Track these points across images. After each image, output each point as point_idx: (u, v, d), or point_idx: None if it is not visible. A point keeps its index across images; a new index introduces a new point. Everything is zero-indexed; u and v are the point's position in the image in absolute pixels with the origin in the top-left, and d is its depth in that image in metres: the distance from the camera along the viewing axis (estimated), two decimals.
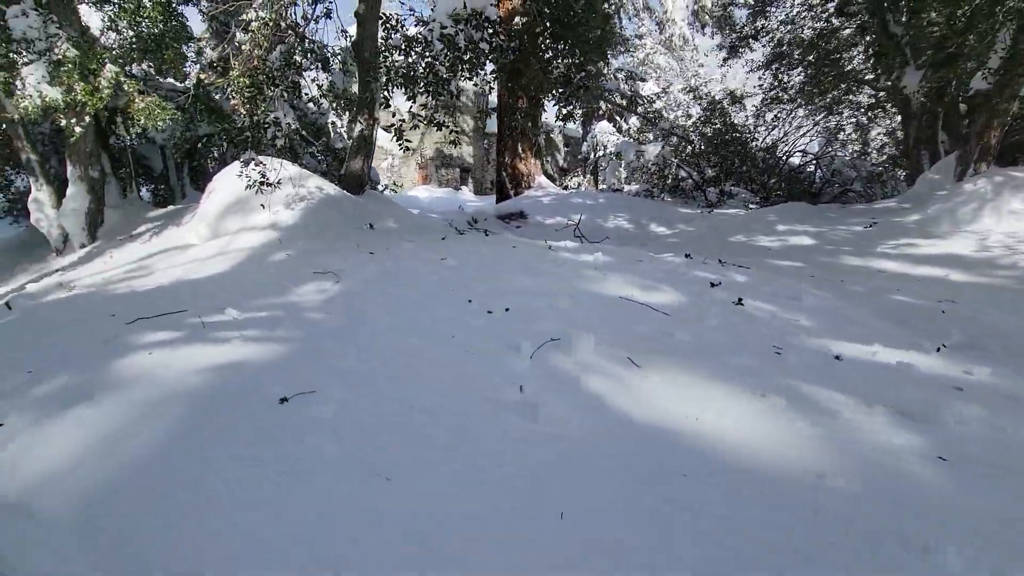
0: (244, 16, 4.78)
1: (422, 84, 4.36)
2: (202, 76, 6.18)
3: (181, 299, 4.11)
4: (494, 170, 26.17)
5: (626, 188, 14.95)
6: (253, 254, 5.45)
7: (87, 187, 7.48)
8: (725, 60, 11.64)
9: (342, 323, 3.06)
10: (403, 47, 4.56)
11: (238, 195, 6.25)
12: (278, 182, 5.72)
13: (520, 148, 14.45)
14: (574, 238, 7.97)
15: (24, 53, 4.82)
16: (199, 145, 10.09)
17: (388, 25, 4.68)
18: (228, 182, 6.40)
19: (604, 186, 17.88)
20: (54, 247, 7.69)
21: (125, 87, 5.21)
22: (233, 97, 5.87)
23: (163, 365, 2.50)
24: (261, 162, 5.39)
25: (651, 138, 14.35)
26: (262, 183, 5.45)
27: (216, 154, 12.01)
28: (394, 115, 8.56)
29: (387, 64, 4.61)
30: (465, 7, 4.31)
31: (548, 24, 4.35)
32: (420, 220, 7.95)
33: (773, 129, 13.95)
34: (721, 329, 2.95)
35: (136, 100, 5.21)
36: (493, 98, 26.73)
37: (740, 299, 3.53)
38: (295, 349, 2.64)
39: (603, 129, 22.57)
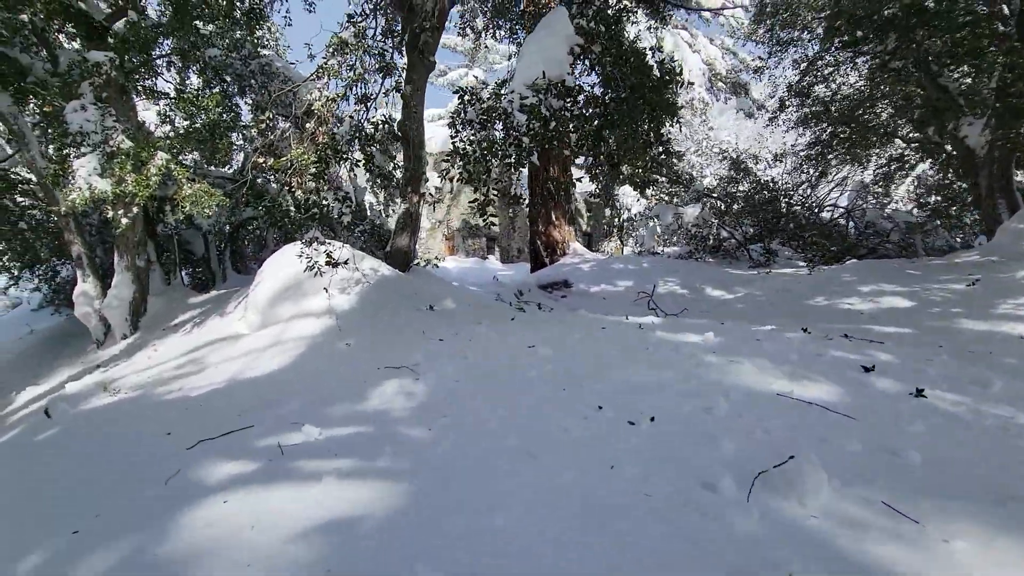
0: (308, 96, 4.58)
1: (500, 156, 4.04)
2: (259, 160, 5.99)
3: (242, 404, 3.56)
4: (520, 238, 26.19)
5: (664, 251, 14.53)
6: (312, 345, 4.95)
7: (132, 276, 7.22)
8: (771, 120, 11.51)
9: (455, 444, 2.44)
10: (479, 120, 4.29)
11: (289, 280, 5.87)
12: (344, 261, 5.34)
13: (553, 215, 14.27)
14: (649, 310, 7.34)
15: (79, 147, 4.65)
16: (240, 229, 9.99)
17: (465, 99, 4.45)
18: (278, 267, 6.04)
19: (640, 249, 17.54)
20: (95, 338, 7.33)
21: (175, 175, 4.99)
22: (285, 179, 5.62)
23: (248, 524, 1.89)
24: (324, 241, 5.02)
25: (684, 199, 14.08)
26: (329, 263, 5.06)
27: (258, 236, 11.95)
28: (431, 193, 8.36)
29: (459, 139, 4.33)
30: (544, 76, 4.03)
31: (632, 89, 4.08)
32: (477, 297, 7.48)
33: (807, 185, 13.62)
34: (940, 439, 2.27)
35: (184, 187, 4.97)
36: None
37: (919, 390, 2.86)
38: (414, 493, 2.02)
39: (626, 192, 22.59)
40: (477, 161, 4.20)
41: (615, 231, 20.89)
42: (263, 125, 5.78)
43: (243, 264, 11.55)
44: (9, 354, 8.86)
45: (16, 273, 10.02)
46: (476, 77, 27.44)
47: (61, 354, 7.92)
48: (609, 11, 4.73)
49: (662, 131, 4.54)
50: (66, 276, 10.17)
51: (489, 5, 9.37)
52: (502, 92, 4.36)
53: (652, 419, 2.52)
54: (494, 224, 23.48)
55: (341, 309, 5.56)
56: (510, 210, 24.76)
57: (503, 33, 9.84)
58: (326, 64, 4.67)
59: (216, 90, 5.26)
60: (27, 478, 2.87)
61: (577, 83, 4.11)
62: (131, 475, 2.57)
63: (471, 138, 4.28)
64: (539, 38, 4.28)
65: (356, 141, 4.99)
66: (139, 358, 5.92)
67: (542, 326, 4.93)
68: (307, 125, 4.56)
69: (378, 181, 10.22)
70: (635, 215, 21.30)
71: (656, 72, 4.35)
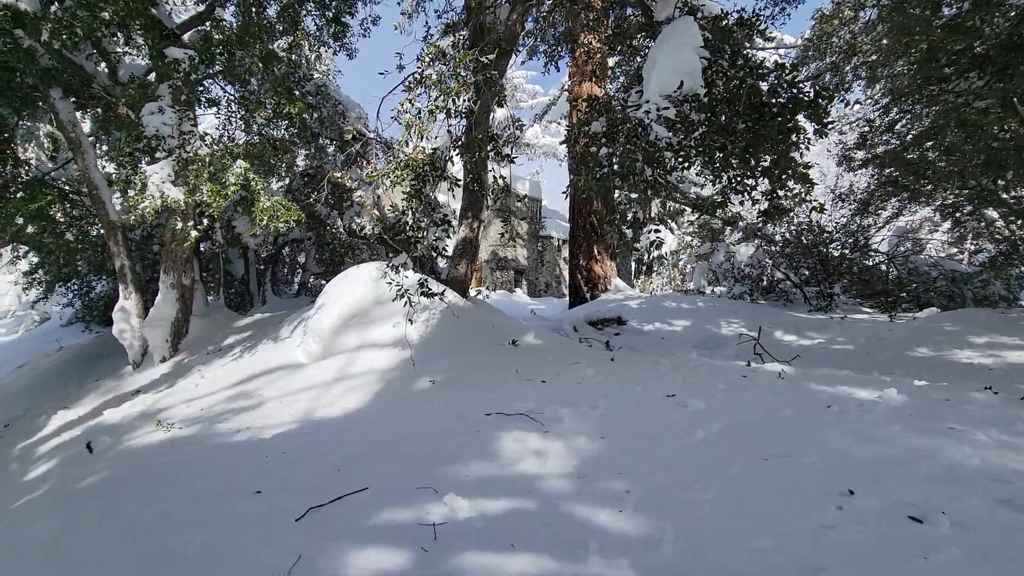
0: (402, 107, 4.10)
1: (633, 178, 3.49)
2: (337, 175, 5.53)
3: (332, 455, 2.90)
4: (548, 272, 25.65)
5: (712, 290, 13.89)
6: (387, 380, 4.31)
7: (177, 295, 6.69)
8: (844, 158, 11.09)
9: (685, 543, 1.76)
10: (608, 135, 3.77)
11: (356, 306, 5.28)
12: (441, 293, 4.78)
13: (596, 249, 13.75)
14: (755, 354, 6.60)
15: (154, 152, 4.20)
16: (281, 251, 9.52)
17: (593, 109, 3.95)
18: (343, 291, 5.47)
19: (691, 287, 16.96)
20: (132, 360, 6.73)
21: (252, 185, 4.51)
22: (371, 198, 5.10)
23: None
24: (414, 267, 4.47)
25: (736, 237, 13.54)
26: (425, 293, 4.51)
27: (292, 260, 11.49)
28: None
29: (592, 160, 3.81)
30: (681, 86, 3.53)
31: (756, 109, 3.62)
32: (551, 333, 6.87)
33: (857, 228, 13.03)
34: None
35: (260, 199, 4.48)
36: (546, 202, 26.98)
37: None
38: None
39: (653, 228, 22.20)
40: (606, 178, 3.66)
41: (648, 267, 20.27)
42: (349, 136, 5.35)
43: (276, 287, 11.05)
44: (37, 372, 8.28)
45: (48, 286, 9.57)
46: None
47: (91, 375, 7.33)
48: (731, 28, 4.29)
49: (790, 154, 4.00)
50: (100, 292, 9.70)
51: (552, 34, 9.11)
52: (629, 104, 3.87)
53: (945, 516, 1.83)
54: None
55: (412, 341, 4.94)
56: (539, 243, 24.35)
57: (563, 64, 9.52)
58: (423, 74, 4.23)
59: (296, 106, 4.87)
60: (79, 555, 2.19)
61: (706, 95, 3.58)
62: (226, 559, 1.90)
63: (601, 155, 3.75)
64: (669, 48, 3.79)
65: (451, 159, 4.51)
66: (184, 385, 5.30)
67: (652, 369, 4.26)
68: (400, 139, 4.07)
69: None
70: (666, 253, 20.79)
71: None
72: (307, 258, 10.10)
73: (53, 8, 5.22)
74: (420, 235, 4.87)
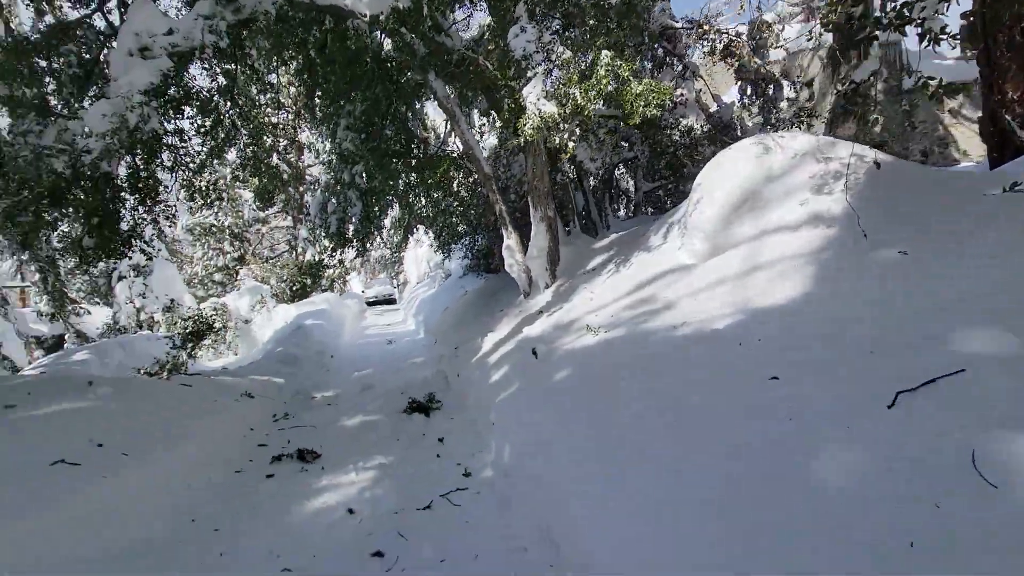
0: None
1: None
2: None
3: (809, 348, 2.24)
4: (923, 137, 18.91)
5: None
6: (820, 264, 3.39)
7: (546, 227, 7.30)
8: None
9: None
10: None
11: (743, 189, 4.47)
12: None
13: None
14: None
15: (524, 74, 4.34)
16: (615, 172, 9.50)
17: None
18: (723, 177, 4.73)
19: None
20: (522, 290, 7.79)
21: (621, 72, 4.21)
22: None
23: None
24: None
25: None
26: None
27: (615, 185, 11.42)
28: None
29: None
30: None
31: None
32: None
33: None
34: None
35: (632, 84, 4.14)
36: None
37: None
38: None
39: None
40: None
41: None
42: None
43: (611, 212, 11.24)
44: (457, 312, 10.72)
45: (444, 246, 12.30)
46: None
47: (494, 308, 8.91)
48: None
49: None
50: (481, 246, 11.86)
51: None
52: None
53: None
54: None
55: (832, 214, 3.82)
56: (903, 100, 18.04)
57: None
58: None
59: None
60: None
61: None
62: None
63: None
64: None
65: None
66: (578, 301, 5.66)
67: None
68: None
69: None
70: None
71: None
72: (636, 176, 9.84)
73: None
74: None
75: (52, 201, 4.16)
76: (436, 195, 9.70)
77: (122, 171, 5.79)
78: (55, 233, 5.61)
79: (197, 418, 4.49)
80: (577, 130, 4.83)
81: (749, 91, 10.47)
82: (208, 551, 2.99)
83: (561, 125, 4.52)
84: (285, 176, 22.27)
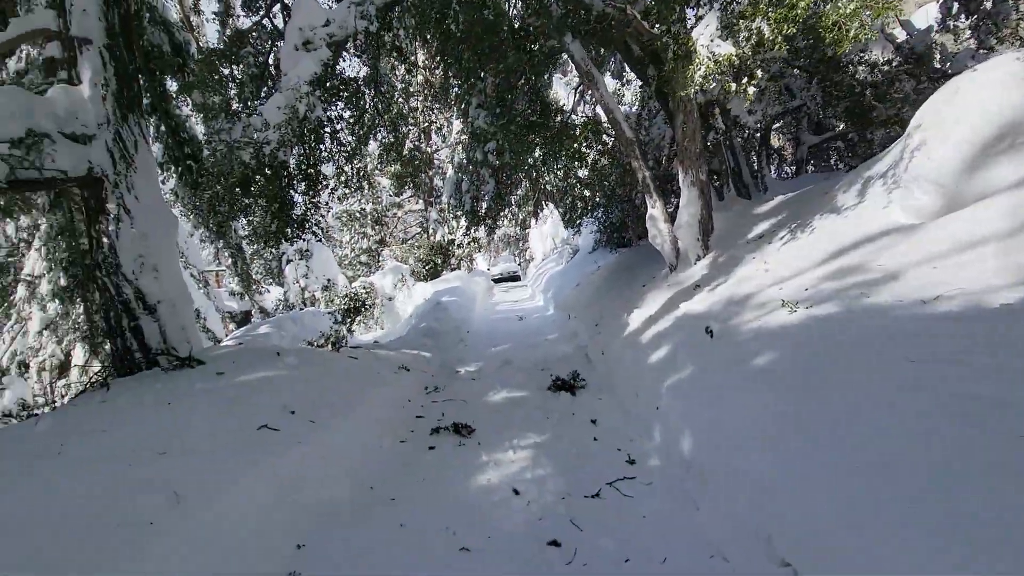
0: None
1: None
2: None
3: None
4: None
5: None
6: None
7: (698, 192, 6.54)
8: None
9: None
10: None
11: (998, 124, 3.40)
12: None
13: None
14: None
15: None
16: (774, 125, 8.24)
17: None
18: (965, 110, 3.65)
19: None
20: (668, 263, 7.14)
21: None
22: None
23: None
24: None
25: None
26: None
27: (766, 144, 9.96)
28: None
29: None
30: None
31: None
32: None
33: None
34: None
35: (839, 3, 3.31)
36: None
37: None
38: None
39: None
40: None
41: None
42: None
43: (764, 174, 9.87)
44: (590, 288, 10.34)
45: (571, 220, 11.89)
46: None
47: (632, 284, 8.36)
48: None
49: None
50: (613, 219, 11.26)
51: None
52: None
53: None
54: None
55: None
56: None
57: None
58: None
59: None
60: None
61: None
62: None
63: None
64: None
65: None
66: (745, 273, 4.93)
67: None
68: None
69: None
70: None
71: None
72: (799, 129, 8.44)
73: None
74: None
75: (243, 190, 4.55)
76: (568, 168, 9.34)
77: (292, 162, 6.28)
78: (244, 221, 6.34)
79: (364, 388, 4.75)
80: (759, 72, 4.05)
81: (955, 8, 8.33)
82: (389, 520, 3.06)
83: (739, 66, 3.82)
84: (417, 162, 23.54)
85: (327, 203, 7.90)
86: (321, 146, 5.31)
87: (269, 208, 4.83)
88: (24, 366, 9.24)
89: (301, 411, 3.70)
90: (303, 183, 5.19)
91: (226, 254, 12.51)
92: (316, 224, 5.82)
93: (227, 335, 13.17)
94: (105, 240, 5.48)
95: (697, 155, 6.45)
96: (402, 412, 5.19)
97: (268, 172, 4.63)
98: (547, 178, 10.33)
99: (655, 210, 7.01)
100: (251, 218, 5.17)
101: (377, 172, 23.41)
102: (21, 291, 8.63)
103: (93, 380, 4.40)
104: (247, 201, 4.62)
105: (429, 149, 23.40)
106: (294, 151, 5.12)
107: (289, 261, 17.75)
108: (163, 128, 6.23)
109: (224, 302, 16.22)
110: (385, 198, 23.90)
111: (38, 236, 8.49)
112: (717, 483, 2.71)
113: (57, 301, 8.98)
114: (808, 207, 5.47)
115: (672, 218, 7.01)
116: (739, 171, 8.50)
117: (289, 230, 5.11)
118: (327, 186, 6.56)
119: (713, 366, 3.37)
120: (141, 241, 5.58)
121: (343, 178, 8.50)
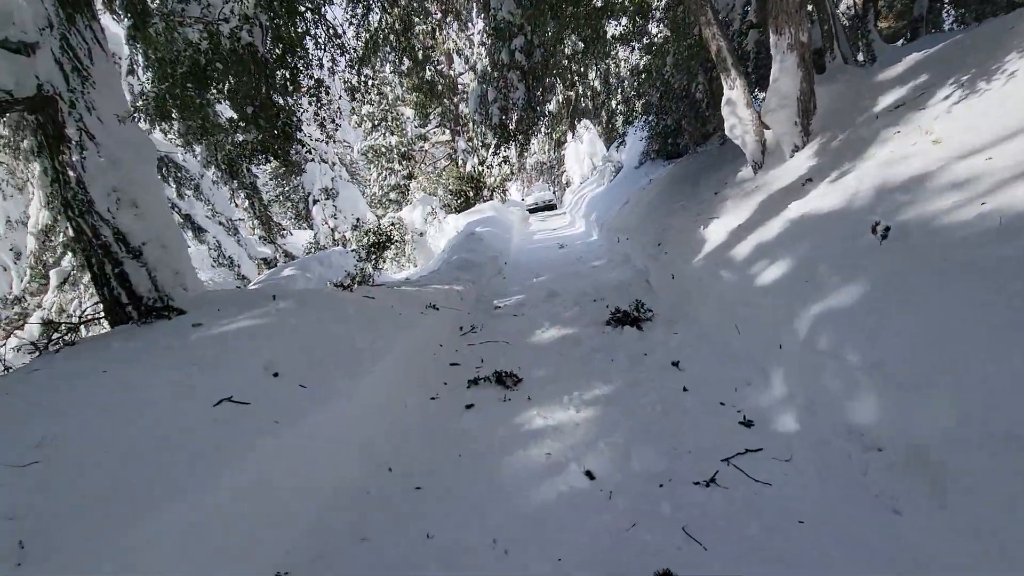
0: None
1: None
2: None
3: None
4: None
5: None
6: None
7: (797, 60, 4.86)
8: None
9: None
10: None
11: None
12: None
13: None
14: None
15: None
16: None
17: None
18: None
19: None
20: (751, 160, 5.60)
21: None
22: None
23: None
24: None
25: None
26: None
27: None
28: None
29: None
30: None
31: None
32: None
33: None
34: None
35: None
36: None
37: None
38: None
39: None
40: None
41: None
42: None
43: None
44: (646, 204, 8.85)
45: (623, 134, 10.19)
46: None
47: (702, 192, 6.85)
48: None
49: None
50: (669, 124, 9.48)
51: None
52: None
53: None
54: None
55: None
56: None
57: None
58: None
59: None
60: None
61: None
62: None
63: None
64: None
65: None
66: (891, 152, 3.41)
67: None
68: None
69: None
70: None
71: None
72: None
73: None
74: None
75: (198, 85, 3.33)
76: (609, 59, 7.61)
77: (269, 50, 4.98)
78: (232, 142, 5.23)
79: (383, 334, 3.72)
80: None
81: None
82: (411, 528, 2.08)
83: None
84: (439, 87, 21.60)
85: (335, 119, 6.65)
86: (299, 19, 3.97)
87: (241, 110, 3.64)
88: (53, 326, 8.82)
89: (290, 371, 2.70)
90: (282, 71, 3.92)
91: (241, 195, 11.60)
92: (327, 129, 4.59)
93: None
94: (71, 173, 4.49)
95: (797, 7, 4.71)
96: (432, 360, 4.19)
97: (229, 59, 3.38)
98: (589, 76, 8.62)
99: (734, 92, 5.38)
100: (215, 130, 4.00)
101: (400, 102, 21.69)
102: (31, 244, 8.01)
103: (57, 339, 3.55)
104: (202, 99, 3.42)
105: (453, 73, 21.36)
106: (267, 32, 3.82)
107: (316, 202, 16.84)
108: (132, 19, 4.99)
109: (257, 248, 15.65)
110: (410, 130, 22.30)
111: (35, 182, 7.71)
112: (943, 470, 1.53)
113: (71, 253, 8.34)
114: (967, 61, 3.79)
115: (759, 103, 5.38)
116: (835, 35, 6.56)
117: (270, 140, 3.93)
118: (326, 92, 5.27)
119: (901, 281, 2.08)
120: (112, 171, 4.55)
121: (350, 89, 7.16)
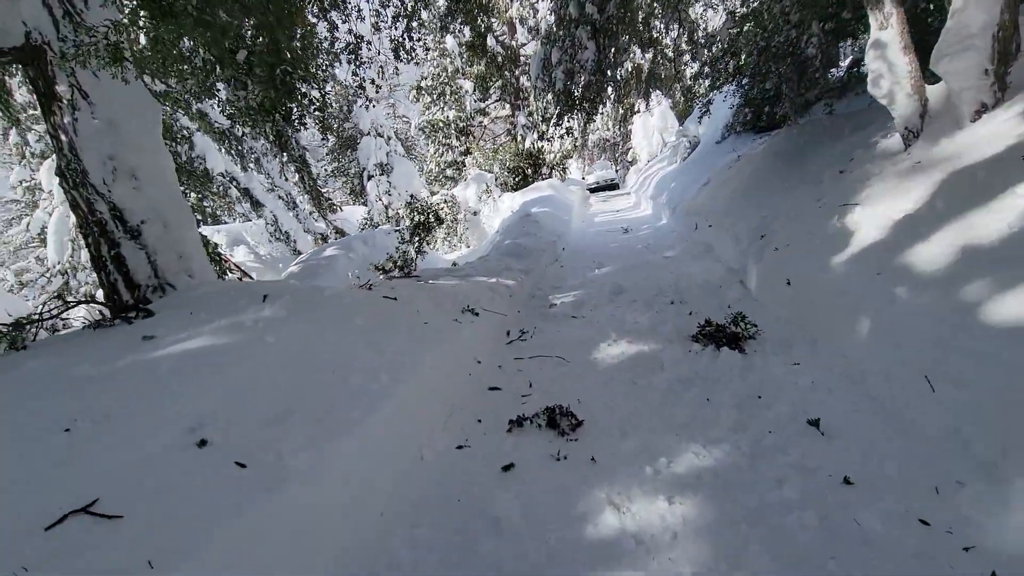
0: None
1: None
2: None
3: None
4: None
5: None
6: None
7: None
8: None
9: None
10: None
11: None
12: None
13: None
14: None
15: None
16: None
17: None
18: None
19: None
20: (901, 126, 4.09)
21: None
22: None
23: None
24: None
25: None
26: None
27: None
28: None
29: None
30: None
31: None
32: None
33: None
34: None
35: None
36: None
37: None
38: None
39: None
40: None
41: None
42: None
43: None
44: (733, 185, 7.38)
45: (707, 102, 8.63)
46: None
47: (818, 170, 5.35)
48: None
49: None
50: (761, 89, 7.81)
51: None
52: None
53: None
54: None
55: None
56: None
57: None
58: None
59: None
60: None
61: None
62: None
63: None
64: None
65: None
66: None
67: None
68: None
69: None
70: None
71: None
72: None
73: None
74: None
75: (158, 10, 2.44)
76: (700, 15, 6.13)
77: None
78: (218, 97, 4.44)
79: (397, 356, 2.77)
80: None
81: None
82: None
83: None
84: (501, 59, 20.25)
85: (374, 81, 5.72)
86: None
87: (222, 50, 2.74)
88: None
89: (229, 435, 1.79)
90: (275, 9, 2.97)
91: (291, 168, 11.10)
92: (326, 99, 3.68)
93: None
94: (63, 137, 3.83)
95: None
96: (466, 382, 3.22)
97: None
98: (670, 34, 7.15)
99: (888, 32, 3.89)
100: (183, 74, 3.13)
101: (460, 75, 20.66)
102: (40, 215, 7.78)
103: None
104: (165, 31, 2.53)
105: (515, 43, 20.02)
106: None
107: (371, 177, 16.31)
108: None
109: (313, 224, 15.41)
110: (469, 104, 21.25)
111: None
112: None
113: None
114: None
115: (917, 50, 3.87)
116: None
117: (274, 96, 3.03)
118: (367, 46, 4.31)
119: None
120: (109, 134, 3.85)
121: (396, 49, 6.19)
